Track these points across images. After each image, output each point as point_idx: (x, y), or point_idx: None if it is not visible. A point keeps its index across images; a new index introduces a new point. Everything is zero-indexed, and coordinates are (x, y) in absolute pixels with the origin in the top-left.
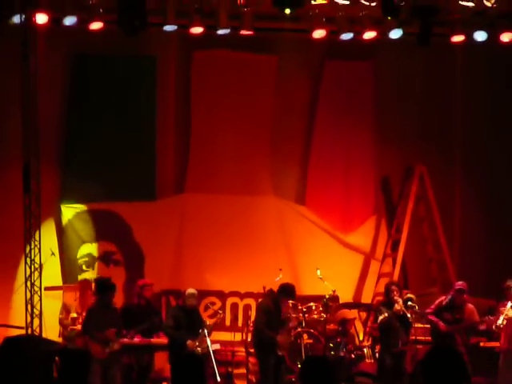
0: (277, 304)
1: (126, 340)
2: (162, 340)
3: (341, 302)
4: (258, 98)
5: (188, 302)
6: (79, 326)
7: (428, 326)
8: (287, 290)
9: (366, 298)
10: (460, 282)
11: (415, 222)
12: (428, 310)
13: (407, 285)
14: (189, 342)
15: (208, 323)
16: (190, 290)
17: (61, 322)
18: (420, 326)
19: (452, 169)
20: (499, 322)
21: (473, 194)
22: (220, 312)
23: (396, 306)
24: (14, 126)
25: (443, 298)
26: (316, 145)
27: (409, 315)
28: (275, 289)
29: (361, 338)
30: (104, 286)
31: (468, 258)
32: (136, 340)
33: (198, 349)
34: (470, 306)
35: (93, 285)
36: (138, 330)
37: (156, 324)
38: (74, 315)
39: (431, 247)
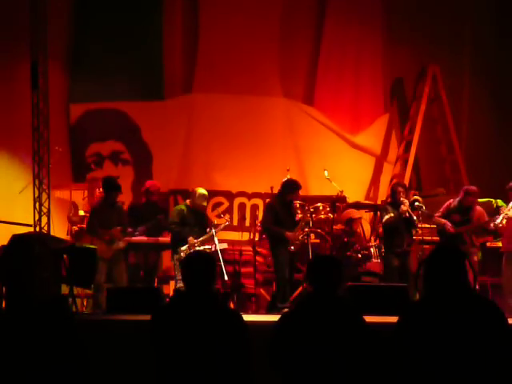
0: (283, 202)
1: (131, 238)
2: (170, 239)
3: (349, 202)
4: None
5: (198, 202)
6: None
7: (434, 226)
8: (289, 185)
9: (380, 200)
10: (472, 187)
11: (428, 123)
12: (437, 213)
13: (420, 186)
14: (190, 239)
15: (216, 223)
16: (201, 191)
17: (69, 220)
18: (427, 226)
19: (462, 69)
20: (497, 221)
21: (483, 93)
22: (227, 220)
23: (402, 206)
24: (22, 23)
25: (451, 200)
26: (325, 44)
27: (415, 217)
28: None
29: (367, 238)
30: (109, 184)
31: (477, 160)
32: (143, 239)
33: (198, 247)
34: (479, 207)
35: (101, 183)
36: (143, 228)
37: (161, 222)
38: (82, 213)
39: (444, 148)
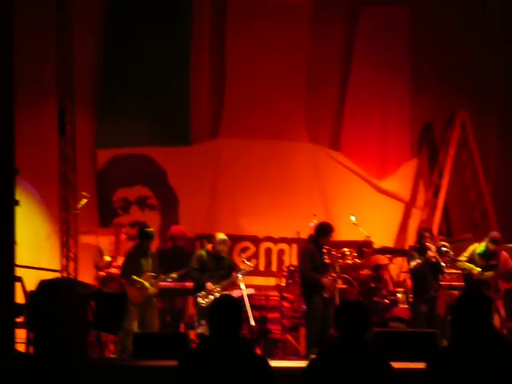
0: (318, 246)
1: (162, 284)
2: None
3: (375, 247)
4: (294, 42)
5: (218, 248)
6: (113, 270)
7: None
8: (323, 228)
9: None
10: (495, 233)
11: (457, 168)
12: (461, 257)
13: (450, 231)
14: (208, 284)
15: (242, 268)
16: (221, 236)
17: (96, 265)
18: (454, 271)
19: (490, 115)
20: None
21: (511, 138)
22: (251, 267)
23: (429, 252)
24: (50, 71)
25: (476, 244)
26: (352, 90)
27: (442, 263)
28: (309, 234)
29: (394, 283)
30: (144, 233)
31: (506, 205)
32: (169, 284)
33: (216, 293)
34: (505, 253)
35: (123, 229)
36: (177, 275)
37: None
38: (109, 258)
39: (473, 194)
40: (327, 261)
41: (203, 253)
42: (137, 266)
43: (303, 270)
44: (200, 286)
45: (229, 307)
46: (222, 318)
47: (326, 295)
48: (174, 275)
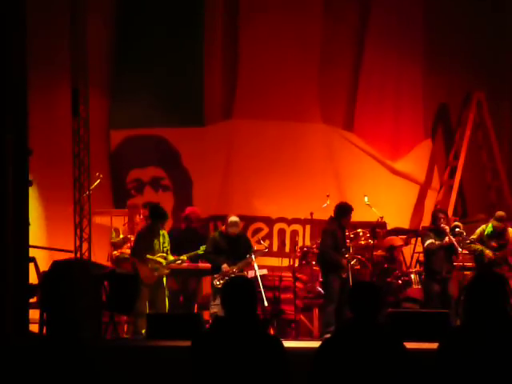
0: (341, 227)
1: (174, 265)
2: (210, 265)
3: (389, 228)
4: (307, 21)
5: (230, 230)
6: (126, 250)
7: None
8: (343, 208)
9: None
10: (500, 212)
11: (473, 149)
12: (471, 240)
13: (465, 212)
14: (224, 266)
15: (255, 248)
16: (233, 218)
17: (111, 243)
18: (467, 252)
19: (504, 95)
20: None
21: None
22: (266, 247)
23: (446, 238)
24: (63, 51)
25: (484, 226)
26: (365, 71)
27: (456, 243)
28: (322, 215)
29: (408, 264)
30: (157, 213)
31: None
32: (184, 265)
33: (232, 275)
34: (511, 229)
35: (141, 210)
36: (187, 257)
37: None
38: (122, 236)
39: (489, 174)
40: (349, 244)
41: (217, 235)
42: (148, 245)
43: (325, 248)
44: (216, 268)
45: (242, 288)
46: (236, 299)
47: (343, 275)
48: (184, 257)
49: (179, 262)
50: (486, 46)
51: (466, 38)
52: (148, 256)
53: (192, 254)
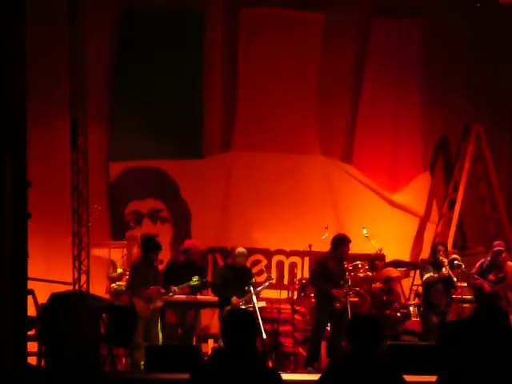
0: (335, 258)
1: (166, 297)
2: (208, 297)
3: (388, 260)
4: (305, 55)
5: (237, 261)
6: (125, 283)
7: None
8: (339, 239)
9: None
10: (497, 242)
11: (472, 181)
12: (471, 273)
13: (465, 244)
14: (233, 299)
15: (254, 280)
16: (240, 249)
17: (108, 277)
18: (466, 285)
19: (503, 127)
20: None
21: None
22: (272, 278)
23: (443, 270)
24: (62, 83)
25: (483, 260)
26: (364, 103)
27: (455, 278)
28: (321, 247)
29: (407, 297)
30: (149, 244)
31: None
32: (181, 297)
33: (242, 306)
34: (510, 263)
35: (139, 242)
36: (179, 288)
37: (201, 283)
38: (121, 271)
39: (488, 207)
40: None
41: (224, 267)
42: (143, 278)
43: (312, 278)
44: (225, 301)
45: (242, 320)
46: (236, 331)
47: (336, 305)
48: (176, 289)
49: (171, 294)
50: (485, 78)
51: (465, 71)
52: (141, 288)
53: (184, 285)
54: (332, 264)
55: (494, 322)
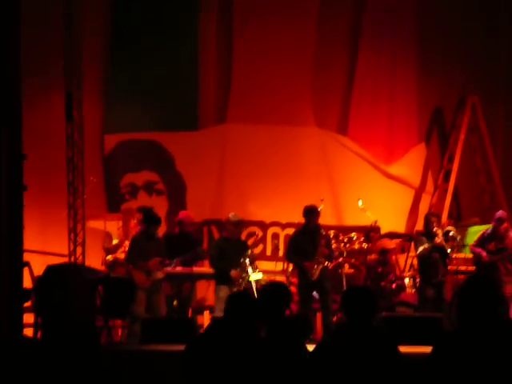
0: (307, 230)
1: (169, 269)
2: (204, 269)
3: (383, 232)
4: (301, 27)
5: (234, 229)
6: (121, 254)
7: (470, 256)
8: (306, 210)
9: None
10: (500, 212)
11: (468, 152)
12: (473, 244)
13: (460, 216)
14: (232, 272)
15: (250, 252)
16: (235, 217)
17: (104, 249)
18: (461, 256)
19: (498, 98)
20: None
21: None
22: (276, 242)
23: (436, 239)
24: (57, 55)
25: (486, 229)
26: (359, 75)
27: (449, 249)
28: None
29: (402, 268)
30: (151, 217)
31: None
32: (178, 269)
33: (241, 280)
34: None
35: (136, 214)
36: (181, 260)
37: (198, 254)
38: (116, 241)
39: (483, 178)
40: (334, 246)
41: (220, 240)
42: (143, 250)
43: (285, 255)
44: (222, 275)
45: (244, 304)
46: (237, 314)
47: (312, 279)
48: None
49: (173, 265)
50: (480, 49)
51: (460, 42)
52: (140, 261)
53: (182, 257)
54: (302, 238)
55: (483, 293)
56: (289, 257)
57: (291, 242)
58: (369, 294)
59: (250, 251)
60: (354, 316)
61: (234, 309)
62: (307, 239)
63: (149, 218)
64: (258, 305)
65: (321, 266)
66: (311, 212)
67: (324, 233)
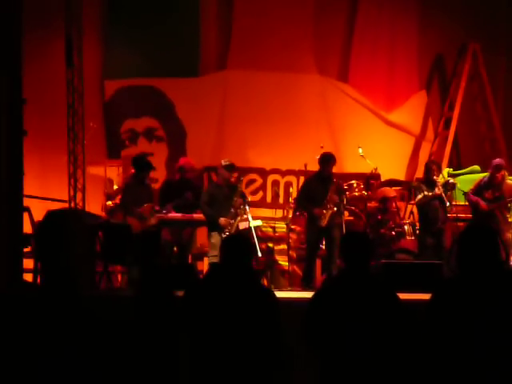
0: (321, 177)
1: (164, 215)
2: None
3: (383, 179)
4: None
5: (228, 175)
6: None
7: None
8: (323, 158)
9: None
10: (497, 159)
11: (468, 100)
12: (469, 191)
13: (460, 163)
14: (221, 220)
15: (248, 199)
16: (227, 161)
17: (105, 194)
18: (461, 203)
19: (499, 46)
20: None
21: None
22: (276, 189)
23: (436, 190)
24: (56, 1)
25: (483, 177)
26: (360, 21)
27: (447, 203)
28: (316, 166)
29: (401, 216)
30: (140, 163)
31: None
32: (177, 215)
33: (230, 226)
34: (509, 182)
35: None
36: (170, 206)
37: (189, 199)
38: (117, 187)
39: (484, 126)
40: (334, 196)
41: (211, 186)
42: (136, 196)
43: (297, 199)
44: (212, 222)
45: (238, 246)
46: (232, 256)
47: (321, 225)
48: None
49: (164, 212)
50: None
51: None
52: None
53: (175, 203)
54: (316, 184)
55: (482, 241)
56: (299, 202)
57: (303, 187)
58: (365, 238)
59: (249, 198)
60: (352, 261)
61: (228, 252)
62: (320, 186)
63: (139, 165)
64: (253, 248)
65: (330, 212)
66: (328, 160)
67: (336, 181)
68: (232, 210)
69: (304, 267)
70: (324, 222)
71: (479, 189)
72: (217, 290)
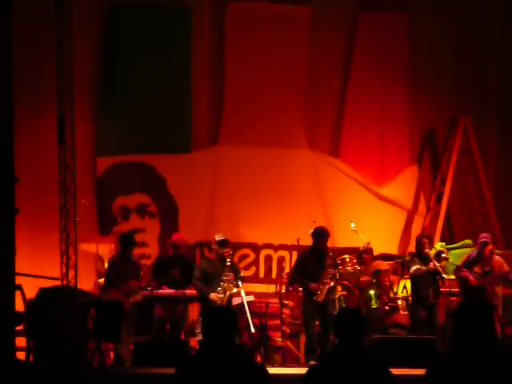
0: (316, 252)
1: (163, 291)
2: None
3: (376, 254)
4: (293, 50)
5: (224, 249)
6: None
7: None
8: (316, 232)
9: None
10: (484, 234)
11: (460, 174)
12: (458, 266)
13: (452, 238)
14: (211, 295)
15: (242, 275)
16: (221, 236)
17: (97, 272)
18: (454, 277)
19: (489, 121)
20: None
21: (509, 144)
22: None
23: (430, 264)
24: (49, 77)
25: (470, 253)
26: (351, 97)
27: (444, 275)
28: (309, 241)
29: (395, 290)
30: (125, 240)
31: (508, 211)
32: (170, 291)
33: (220, 302)
34: (497, 257)
35: None
36: (155, 283)
37: (175, 277)
38: (107, 265)
39: (476, 200)
40: (330, 270)
41: (204, 261)
42: (121, 272)
43: (289, 276)
44: (203, 297)
45: (221, 315)
46: (212, 330)
47: (317, 300)
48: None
49: (149, 288)
50: (472, 72)
51: (452, 64)
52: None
53: (161, 280)
54: (310, 259)
55: (479, 316)
56: (294, 277)
57: (298, 263)
58: (360, 315)
59: (242, 273)
60: (345, 338)
61: (208, 326)
62: (315, 261)
63: (124, 241)
64: (235, 321)
65: (327, 287)
66: (322, 234)
67: (332, 255)
68: (222, 284)
69: (306, 344)
70: (321, 297)
71: (467, 264)
72: (207, 367)
